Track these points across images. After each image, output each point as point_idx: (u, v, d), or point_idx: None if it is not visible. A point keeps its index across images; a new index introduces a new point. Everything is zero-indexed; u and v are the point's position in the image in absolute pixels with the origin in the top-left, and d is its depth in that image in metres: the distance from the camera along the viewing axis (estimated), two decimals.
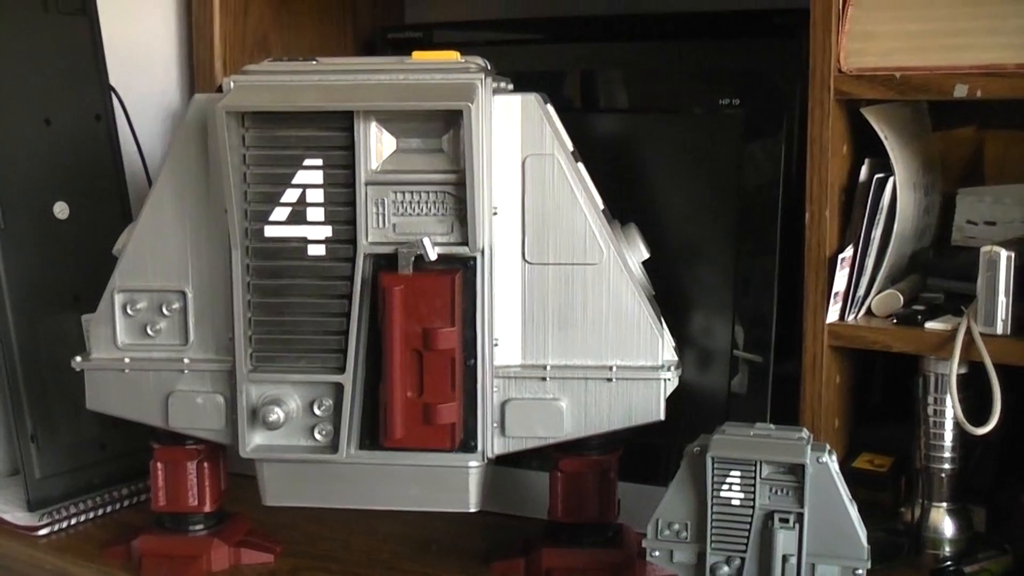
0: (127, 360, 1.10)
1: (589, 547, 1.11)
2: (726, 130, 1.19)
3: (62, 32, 1.30)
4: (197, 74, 1.45)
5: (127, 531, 1.21)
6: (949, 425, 1.13)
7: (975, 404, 1.08)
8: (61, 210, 1.29)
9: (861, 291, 1.14)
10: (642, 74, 1.27)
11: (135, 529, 1.20)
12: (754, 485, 0.95)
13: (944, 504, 1.14)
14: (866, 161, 1.15)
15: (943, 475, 1.14)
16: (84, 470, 1.29)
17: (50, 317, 1.28)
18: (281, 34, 1.52)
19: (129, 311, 1.10)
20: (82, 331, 1.30)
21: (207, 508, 1.15)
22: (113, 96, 1.35)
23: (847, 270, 1.13)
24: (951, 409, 1.12)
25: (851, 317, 1.15)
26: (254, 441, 1.07)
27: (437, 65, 1.04)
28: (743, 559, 0.96)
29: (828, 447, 0.96)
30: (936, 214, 1.27)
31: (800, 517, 0.94)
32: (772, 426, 0.99)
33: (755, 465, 0.95)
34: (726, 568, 0.96)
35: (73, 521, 1.24)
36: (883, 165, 1.15)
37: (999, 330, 1.06)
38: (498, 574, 1.13)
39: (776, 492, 0.95)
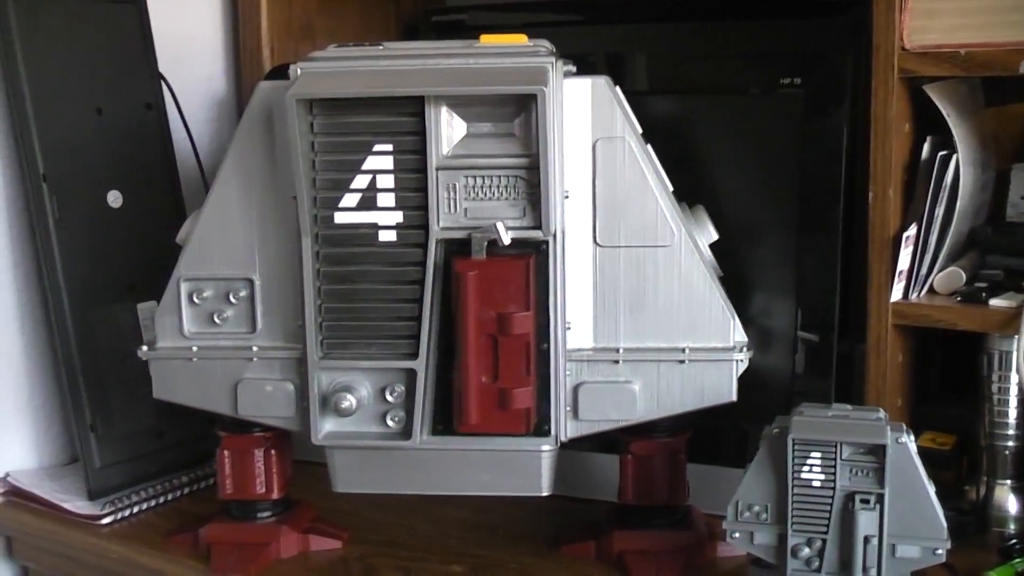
0: (195, 349, 1.10)
1: (659, 529, 1.11)
2: (787, 110, 1.19)
3: (111, 20, 1.30)
4: (243, 61, 1.45)
5: (189, 519, 1.22)
6: (1013, 403, 1.13)
7: None
8: (115, 199, 1.29)
9: (924, 269, 1.15)
10: (700, 55, 1.27)
11: (197, 517, 1.20)
12: (835, 466, 0.95)
13: (1009, 481, 1.15)
14: (928, 139, 1.15)
15: (1007, 452, 1.14)
16: (142, 459, 1.29)
17: (105, 306, 1.27)
18: (326, 20, 1.51)
19: (195, 300, 1.09)
20: (137, 320, 1.30)
21: (275, 495, 1.15)
22: (163, 84, 1.35)
23: (911, 248, 1.14)
24: (1015, 386, 1.12)
25: (914, 296, 1.15)
26: (325, 428, 1.07)
27: (506, 49, 1.03)
28: (824, 540, 0.96)
29: (905, 427, 0.96)
30: (991, 191, 1.27)
31: (880, 498, 0.94)
32: (849, 407, 0.99)
33: (835, 446, 0.95)
34: (807, 550, 0.96)
35: (135, 509, 1.24)
36: (943, 142, 1.15)
37: None
38: (569, 557, 1.14)
39: (856, 473, 0.95)
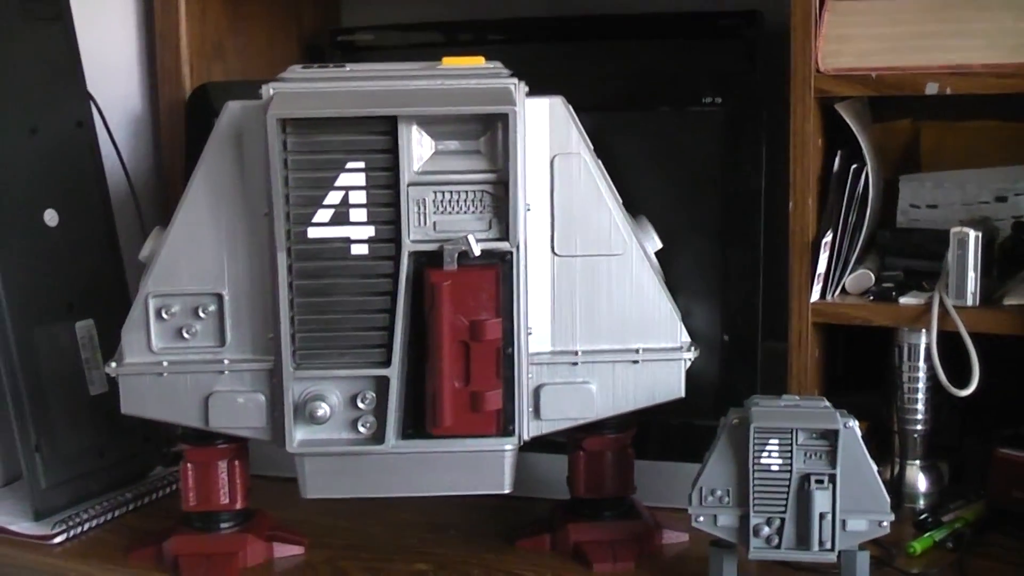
0: (165, 364, 1.11)
1: (611, 520, 1.19)
2: (709, 126, 1.28)
3: (42, 39, 1.30)
4: (162, 79, 1.46)
5: (139, 534, 1.23)
6: (922, 389, 1.25)
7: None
8: (51, 218, 1.28)
9: (837, 272, 1.25)
10: (625, 74, 1.35)
11: (147, 532, 1.22)
12: (791, 451, 1.04)
13: (918, 462, 1.27)
14: (839, 152, 1.26)
15: (916, 435, 1.26)
16: (85, 478, 1.29)
17: (46, 326, 1.27)
18: (235, 39, 1.53)
19: (164, 315, 1.11)
20: (77, 340, 1.30)
21: (238, 505, 1.17)
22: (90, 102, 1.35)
23: (828, 253, 1.24)
24: (923, 374, 1.24)
25: (829, 296, 1.25)
26: (298, 436, 1.11)
27: (469, 70, 1.09)
28: (782, 519, 1.05)
29: (849, 414, 1.06)
30: (882, 199, 1.39)
31: (833, 478, 1.04)
32: (797, 397, 1.09)
33: (792, 433, 1.04)
34: (767, 528, 1.05)
35: (85, 527, 1.24)
36: (849, 155, 1.26)
37: (969, 302, 1.19)
38: (525, 551, 1.19)
39: (810, 456, 1.04)
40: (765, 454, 1.04)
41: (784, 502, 1.05)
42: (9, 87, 1.26)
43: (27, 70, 1.28)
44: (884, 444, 1.29)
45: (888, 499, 1.05)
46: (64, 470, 1.27)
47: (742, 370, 1.30)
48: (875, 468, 1.05)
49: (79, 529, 1.23)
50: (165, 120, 1.47)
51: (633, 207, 1.18)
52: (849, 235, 1.25)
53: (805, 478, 1.04)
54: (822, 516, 1.04)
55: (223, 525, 1.18)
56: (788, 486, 1.04)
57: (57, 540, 1.21)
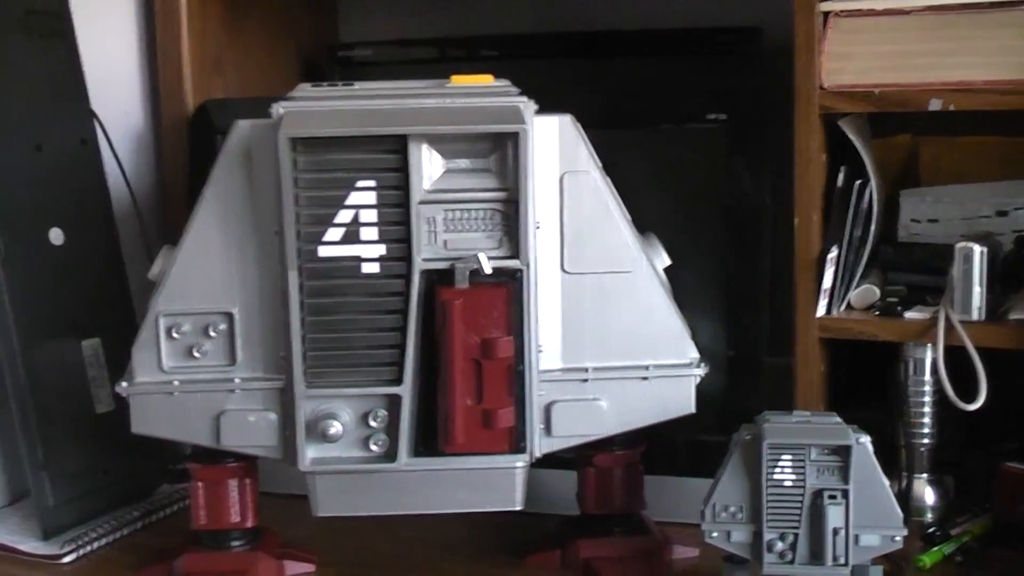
0: (176, 383, 1.11)
1: (621, 536, 1.19)
2: (713, 142, 1.29)
3: (45, 56, 1.30)
4: (164, 96, 1.46)
5: (146, 552, 1.23)
6: (928, 403, 1.25)
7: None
8: (57, 236, 1.28)
9: (842, 287, 1.26)
10: (632, 91, 1.36)
11: (153, 550, 1.22)
12: (804, 466, 1.04)
13: (925, 475, 1.27)
14: (842, 168, 1.27)
15: (923, 449, 1.27)
16: (90, 496, 1.29)
17: (51, 344, 1.27)
18: (234, 54, 1.53)
19: (174, 334, 1.11)
20: (82, 357, 1.30)
21: (249, 523, 1.17)
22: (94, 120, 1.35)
23: (833, 268, 1.25)
24: (929, 388, 1.25)
25: (835, 311, 1.26)
26: (310, 455, 1.10)
27: (479, 89, 1.09)
28: (796, 535, 1.05)
29: (861, 429, 1.06)
30: (883, 213, 1.39)
31: (846, 493, 1.04)
32: (808, 413, 1.09)
33: (805, 449, 1.04)
34: (781, 544, 1.05)
35: (95, 546, 1.24)
36: (852, 170, 1.27)
37: (975, 316, 1.19)
38: (535, 567, 1.20)
39: (823, 472, 1.05)
40: (778, 470, 1.05)
41: (797, 518, 1.05)
42: (14, 104, 1.26)
43: (31, 87, 1.28)
44: (889, 458, 1.30)
45: (901, 514, 1.06)
46: (71, 488, 1.27)
47: (747, 385, 1.31)
48: (887, 483, 1.06)
49: (88, 548, 1.23)
50: (167, 137, 1.47)
51: (638, 224, 1.19)
52: (854, 250, 1.26)
53: (818, 494, 1.04)
54: (835, 531, 1.04)
55: (234, 543, 1.18)
56: (801, 502, 1.05)
57: (67, 559, 1.21)
